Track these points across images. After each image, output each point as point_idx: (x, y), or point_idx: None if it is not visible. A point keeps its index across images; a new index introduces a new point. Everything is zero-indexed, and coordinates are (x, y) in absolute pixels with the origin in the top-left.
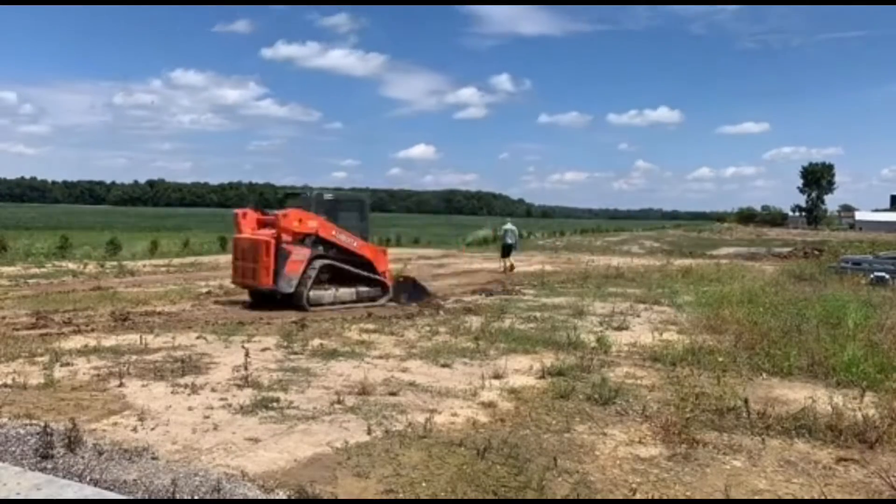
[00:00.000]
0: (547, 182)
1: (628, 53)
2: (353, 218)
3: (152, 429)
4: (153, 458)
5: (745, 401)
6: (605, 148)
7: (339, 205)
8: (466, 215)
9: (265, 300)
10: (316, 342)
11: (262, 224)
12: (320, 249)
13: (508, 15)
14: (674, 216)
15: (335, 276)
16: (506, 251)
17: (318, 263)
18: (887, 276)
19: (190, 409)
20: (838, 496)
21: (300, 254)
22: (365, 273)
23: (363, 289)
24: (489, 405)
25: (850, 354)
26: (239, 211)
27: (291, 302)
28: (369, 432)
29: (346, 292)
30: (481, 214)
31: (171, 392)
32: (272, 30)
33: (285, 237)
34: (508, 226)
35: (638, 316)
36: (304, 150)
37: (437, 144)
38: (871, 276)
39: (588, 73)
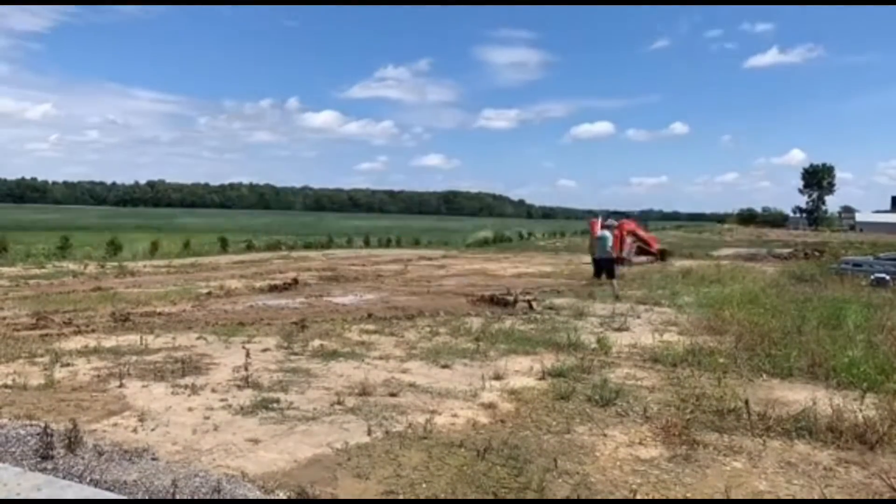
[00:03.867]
0: (553, 186)
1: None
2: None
3: (152, 429)
4: (153, 459)
5: (746, 402)
6: (616, 157)
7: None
8: (466, 216)
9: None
10: (316, 343)
11: (602, 227)
12: (634, 238)
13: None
14: (674, 217)
15: (639, 251)
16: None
17: (635, 245)
18: (888, 278)
19: (190, 409)
20: (838, 497)
21: (628, 241)
22: (647, 248)
23: (649, 257)
24: (489, 406)
25: (851, 356)
26: (593, 220)
27: (623, 264)
28: (369, 433)
29: (643, 258)
30: (482, 216)
31: (172, 393)
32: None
33: (625, 232)
34: None
35: (638, 317)
36: (336, 156)
37: (458, 155)
38: (872, 277)
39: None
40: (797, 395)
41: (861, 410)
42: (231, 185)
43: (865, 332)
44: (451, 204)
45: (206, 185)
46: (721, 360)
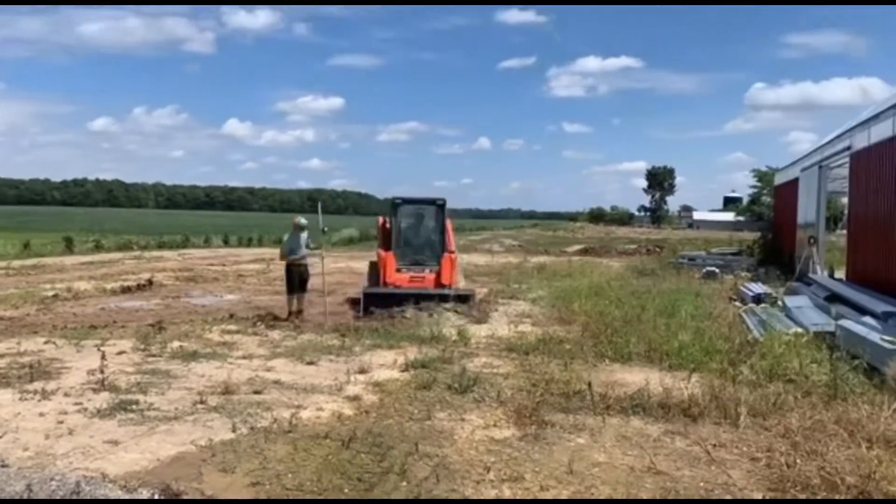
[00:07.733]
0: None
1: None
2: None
3: (0, 436)
4: (3, 466)
5: (589, 385)
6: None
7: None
8: (333, 214)
9: None
10: (175, 344)
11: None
12: None
13: None
14: (531, 216)
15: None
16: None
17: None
18: (717, 271)
19: (41, 415)
20: (664, 464)
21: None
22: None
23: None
24: (354, 399)
25: (681, 341)
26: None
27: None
28: (234, 430)
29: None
30: (348, 214)
31: (19, 399)
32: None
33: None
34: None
35: (496, 310)
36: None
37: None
38: (704, 270)
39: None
40: (635, 378)
41: (687, 389)
42: (75, 181)
43: (695, 320)
44: (316, 202)
45: (47, 180)
46: (568, 348)
